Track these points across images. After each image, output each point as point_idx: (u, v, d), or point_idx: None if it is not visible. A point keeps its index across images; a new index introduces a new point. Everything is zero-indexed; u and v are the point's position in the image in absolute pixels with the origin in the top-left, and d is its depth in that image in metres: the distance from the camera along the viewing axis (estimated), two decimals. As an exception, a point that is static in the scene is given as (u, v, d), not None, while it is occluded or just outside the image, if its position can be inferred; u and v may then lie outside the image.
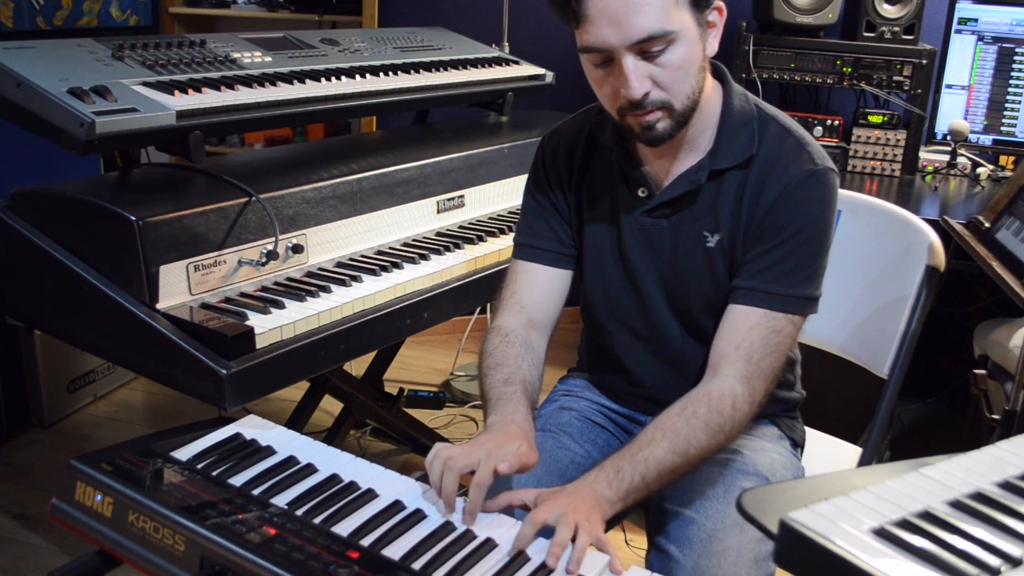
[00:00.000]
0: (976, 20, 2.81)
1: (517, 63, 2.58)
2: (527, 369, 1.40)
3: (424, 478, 1.25)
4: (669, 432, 1.25)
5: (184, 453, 1.30)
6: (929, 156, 2.92)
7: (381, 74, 2.13)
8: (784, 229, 1.32)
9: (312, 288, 1.67)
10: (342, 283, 1.71)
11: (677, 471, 1.25)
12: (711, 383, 1.31)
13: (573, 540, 1.11)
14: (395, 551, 1.10)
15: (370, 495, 1.22)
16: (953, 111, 2.88)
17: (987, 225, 2.11)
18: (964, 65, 2.85)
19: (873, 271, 1.72)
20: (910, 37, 2.82)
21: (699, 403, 1.28)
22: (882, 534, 0.75)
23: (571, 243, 1.49)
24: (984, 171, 2.86)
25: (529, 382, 1.39)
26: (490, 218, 2.19)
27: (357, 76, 2.06)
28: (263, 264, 1.67)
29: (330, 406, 2.53)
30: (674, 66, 1.25)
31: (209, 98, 1.72)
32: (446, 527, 1.15)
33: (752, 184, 1.34)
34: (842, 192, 1.40)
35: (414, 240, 1.99)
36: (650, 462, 1.22)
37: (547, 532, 1.17)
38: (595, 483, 1.21)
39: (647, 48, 1.23)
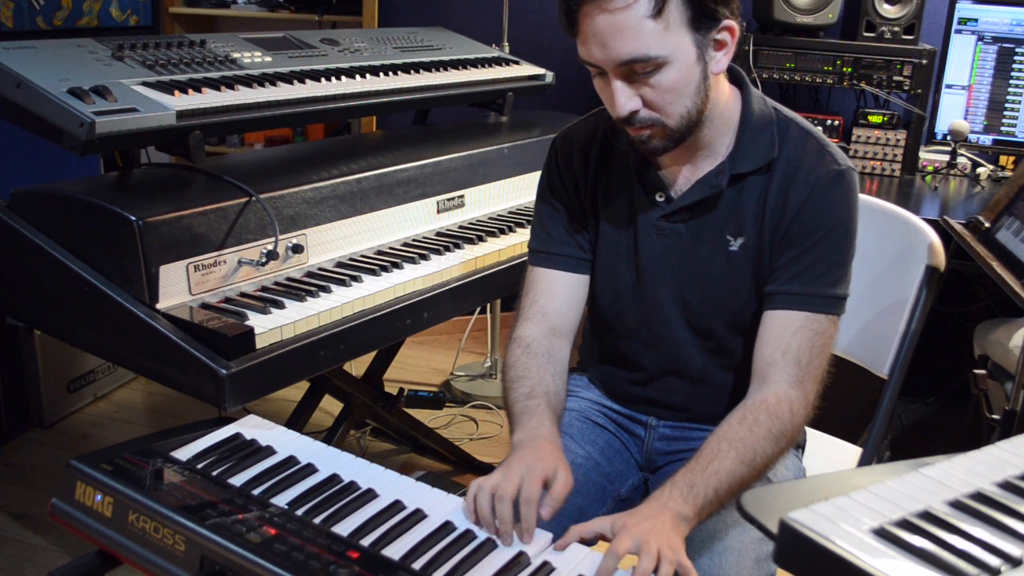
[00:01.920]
0: (976, 20, 2.81)
1: (517, 63, 2.58)
2: (550, 380, 1.39)
3: (425, 478, 1.26)
4: (735, 443, 1.24)
5: (184, 453, 1.30)
6: (929, 156, 2.92)
7: (381, 74, 2.13)
8: (815, 231, 1.33)
9: (312, 288, 1.67)
10: (342, 283, 1.71)
11: (746, 481, 1.24)
12: (765, 390, 1.30)
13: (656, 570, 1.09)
14: (395, 551, 1.10)
15: (370, 495, 1.22)
16: (953, 111, 2.88)
17: (987, 225, 2.11)
18: (964, 65, 2.85)
19: (873, 271, 1.72)
20: (910, 37, 2.82)
21: (758, 411, 1.27)
22: (882, 534, 0.75)
23: (589, 247, 1.48)
24: (984, 171, 2.86)
25: (553, 392, 1.38)
26: (490, 218, 2.19)
27: (357, 76, 2.06)
28: (263, 264, 1.67)
29: (330, 406, 2.53)
30: (664, 88, 1.25)
31: (209, 98, 1.72)
32: (446, 527, 1.15)
33: (776, 187, 1.34)
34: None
35: (414, 240, 1.99)
36: (721, 475, 1.21)
37: (555, 526, 1.17)
38: (670, 501, 1.19)
39: (635, 69, 1.23)
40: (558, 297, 1.47)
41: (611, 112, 1.30)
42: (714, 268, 1.39)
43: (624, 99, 1.25)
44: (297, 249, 1.73)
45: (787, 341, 1.32)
